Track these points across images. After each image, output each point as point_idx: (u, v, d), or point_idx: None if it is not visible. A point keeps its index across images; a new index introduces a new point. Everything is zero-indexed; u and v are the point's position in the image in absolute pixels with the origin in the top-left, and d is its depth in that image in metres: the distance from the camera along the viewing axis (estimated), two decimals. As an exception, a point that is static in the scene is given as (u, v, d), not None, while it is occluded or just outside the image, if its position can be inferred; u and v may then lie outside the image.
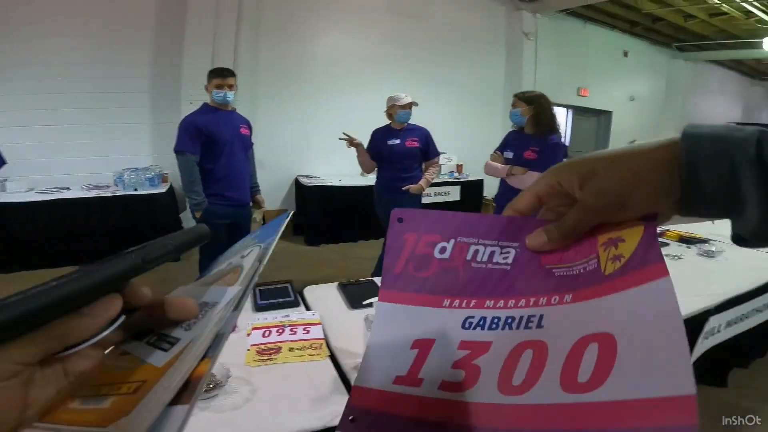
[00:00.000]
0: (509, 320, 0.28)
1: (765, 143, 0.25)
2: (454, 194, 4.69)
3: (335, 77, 4.73)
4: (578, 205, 0.30)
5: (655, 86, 9.08)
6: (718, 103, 10.25)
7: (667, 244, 2.26)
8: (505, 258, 0.32)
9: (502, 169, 2.33)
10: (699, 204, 0.27)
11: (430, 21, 5.38)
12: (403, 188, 2.68)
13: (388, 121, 2.77)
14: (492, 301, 0.30)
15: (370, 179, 3.00)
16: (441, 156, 4.95)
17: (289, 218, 0.31)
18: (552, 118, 2.29)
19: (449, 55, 5.58)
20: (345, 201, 4.09)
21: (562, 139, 2.35)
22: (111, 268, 0.20)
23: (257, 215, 3.92)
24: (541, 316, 0.28)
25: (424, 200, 2.93)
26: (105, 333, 0.20)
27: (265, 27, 4.34)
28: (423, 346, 0.28)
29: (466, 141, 5.48)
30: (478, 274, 0.31)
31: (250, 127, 2.45)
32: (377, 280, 1.54)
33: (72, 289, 0.18)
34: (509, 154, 2.39)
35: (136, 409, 0.18)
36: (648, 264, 0.26)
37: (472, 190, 5.01)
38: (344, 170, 4.39)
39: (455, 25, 5.62)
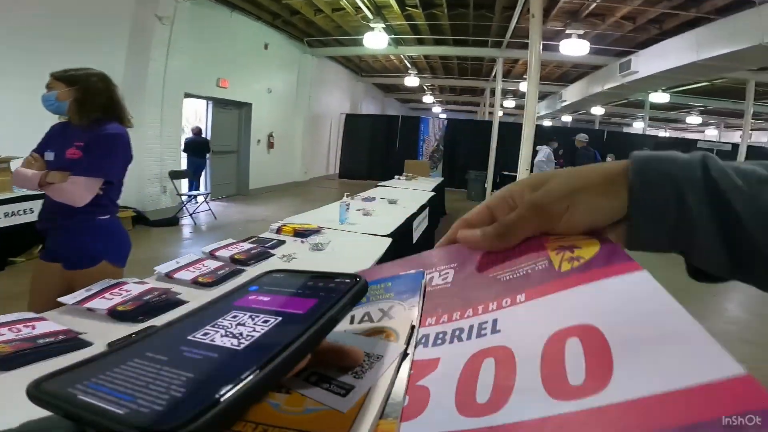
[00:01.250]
0: (457, 332, 0.25)
1: (710, 161, 0.26)
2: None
3: None
4: (521, 203, 0.29)
5: (288, 79, 9.94)
6: (335, 97, 12.44)
7: (283, 242, 2.18)
8: (444, 279, 0.30)
9: (33, 176, 1.59)
10: (645, 228, 0.27)
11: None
12: None
13: None
14: (434, 319, 0.27)
15: None
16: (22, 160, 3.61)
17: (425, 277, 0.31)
18: (110, 101, 1.72)
19: (49, 37, 4.19)
20: None
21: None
22: (316, 335, 0.21)
23: None
24: (495, 321, 0.24)
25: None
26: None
27: None
28: None
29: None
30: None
31: None
32: None
33: (296, 355, 0.19)
34: (50, 156, 1.67)
35: None
36: (613, 263, 0.23)
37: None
38: None
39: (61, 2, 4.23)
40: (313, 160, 11.12)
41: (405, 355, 0.24)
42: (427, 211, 4.27)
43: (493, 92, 10.80)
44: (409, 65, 12.63)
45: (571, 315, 0.21)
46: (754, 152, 9.72)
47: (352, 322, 0.29)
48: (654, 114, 15.32)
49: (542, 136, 7.44)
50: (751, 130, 18.41)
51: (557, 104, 13.71)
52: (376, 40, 7.99)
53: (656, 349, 0.17)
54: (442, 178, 7.95)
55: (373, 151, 12.15)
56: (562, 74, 12.64)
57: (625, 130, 16.97)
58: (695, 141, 12.98)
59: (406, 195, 4.55)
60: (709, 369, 0.16)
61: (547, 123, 15.85)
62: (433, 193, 5.02)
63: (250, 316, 0.22)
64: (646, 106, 13.48)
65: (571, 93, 12.29)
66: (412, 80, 12.58)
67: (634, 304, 0.20)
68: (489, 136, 9.88)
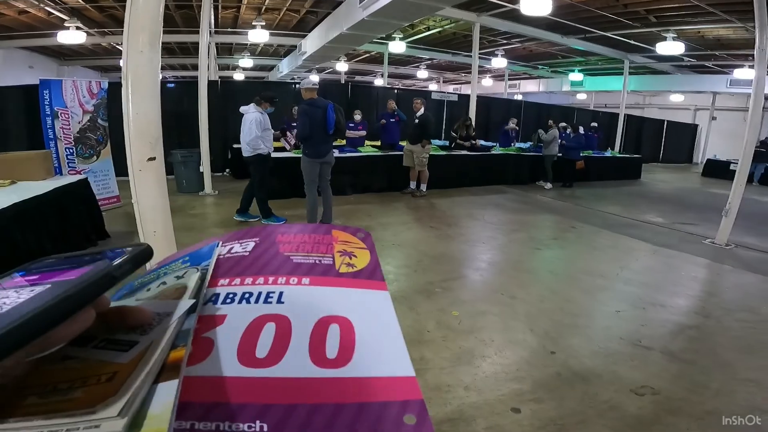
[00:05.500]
0: (246, 295, 0.28)
1: None
2: None
3: None
4: None
5: None
6: None
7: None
8: (244, 248, 0.33)
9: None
10: None
11: None
12: None
13: None
14: (227, 280, 0.29)
15: None
16: None
17: (219, 246, 0.33)
18: None
19: None
20: None
21: None
22: (91, 285, 0.21)
23: None
24: (281, 293, 0.28)
25: None
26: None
27: None
28: None
29: None
30: (217, 267, 0.31)
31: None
32: None
33: (62, 306, 0.19)
34: None
35: (122, 389, 0.19)
36: (374, 279, 0.31)
37: None
38: None
39: None
40: None
41: (194, 308, 0.26)
42: None
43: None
44: (64, 15, 7.70)
45: (338, 307, 0.27)
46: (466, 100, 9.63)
47: (148, 291, 0.30)
48: (391, 71, 14.88)
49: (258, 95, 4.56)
50: (461, 83, 20.88)
51: (299, 59, 11.23)
52: None
53: (377, 347, 0.24)
54: (84, 177, 4.19)
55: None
56: (300, 21, 10.09)
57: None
58: (431, 92, 12.82)
59: None
60: (397, 367, 0.23)
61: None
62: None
63: (15, 291, 0.21)
64: (385, 60, 12.52)
65: (312, 42, 9.94)
66: (71, 36, 7.75)
67: (375, 312, 0.27)
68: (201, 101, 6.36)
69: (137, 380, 0.19)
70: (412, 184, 6.88)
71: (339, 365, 0.23)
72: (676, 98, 16.32)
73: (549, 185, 8.31)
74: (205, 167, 6.22)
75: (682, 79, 14.14)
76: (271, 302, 0.27)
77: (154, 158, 2.02)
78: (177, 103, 7.91)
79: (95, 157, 4.97)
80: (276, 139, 4.65)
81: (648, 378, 2.13)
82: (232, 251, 0.32)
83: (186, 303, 0.26)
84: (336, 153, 6.55)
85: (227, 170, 7.96)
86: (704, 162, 13.85)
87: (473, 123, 8.47)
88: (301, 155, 4.38)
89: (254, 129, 4.35)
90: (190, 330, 0.24)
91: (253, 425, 0.19)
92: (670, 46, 8.67)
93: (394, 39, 10.25)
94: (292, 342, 0.24)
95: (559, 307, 2.98)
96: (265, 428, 0.19)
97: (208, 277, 0.29)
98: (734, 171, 4.88)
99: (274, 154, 5.39)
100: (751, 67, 11.00)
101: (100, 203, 4.37)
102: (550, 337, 2.55)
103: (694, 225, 5.68)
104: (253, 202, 4.73)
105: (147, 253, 0.26)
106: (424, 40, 11.42)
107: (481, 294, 3.21)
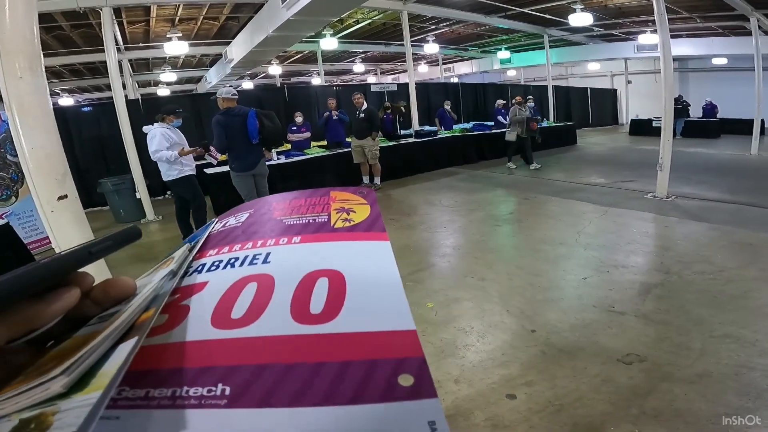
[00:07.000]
0: (232, 260, 0.27)
1: None
2: None
3: None
4: None
5: None
6: None
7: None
8: (238, 220, 0.32)
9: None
10: None
11: None
12: None
13: None
14: (215, 250, 0.28)
15: None
16: None
17: (215, 223, 0.33)
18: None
19: None
20: None
21: None
22: (65, 257, 0.21)
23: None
24: (268, 254, 0.27)
25: None
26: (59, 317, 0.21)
27: None
28: None
29: None
30: (208, 240, 0.31)
31: None
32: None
33: (33, 274, 0.19)
34: None
35: (80, 352, 0.19)
36: (372, 230, 0.28)
37: None
38: None
39: None
40: None
41: (175, 273, 0.25)
42: None
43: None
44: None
45: (329, 260, 0.25)
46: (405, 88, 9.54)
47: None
48: (327, 68, 14.51)
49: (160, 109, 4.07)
50: (399, 73, 20.84)
51: (226, 67, 10.58)
52: None
53: (371, 300, 0.22)
54: (5, 222, 3.63)
55: None
56: (222, 28, 9.46)
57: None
58: (369, 85, 12.63)
59: None
60: (394, 321, 0.21)
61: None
62: None
63: None
64: (319, 58, 12.15)
65: (237, 49, 9.37)
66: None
67: (371, 264, 0.25)
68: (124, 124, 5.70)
69: (94, 342, 0.19)
70: (365, 179, 6.69)
71: (323, 321, 0.21)
72: (594, 66, 17.26)
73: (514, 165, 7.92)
74: (142, 193, 5.64)
75: (595, 48, 14.93)
76: (256, 263, 0.26)
77: (65, 196, 1.69)
78: (97, 127, 7.16)
79: (14, 197, 4.32)
80: (199, 156, 4.21)
81: (630, 345, 2.11)
82: (227, 225, 0.32)
83: (164, 270, 0.26)
84: (282, 159, 6.22)
85: (168, 193, 7.34)
86: (629, 122, 14.79)
87: (402, 107, 8.27)
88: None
89: (154, 143, 3.79)
90: (166, 293, 0.23)
91: (213, 389, 0.18)
92: (580, 17, 9.11)
93: (325, 36, 9.92)
94: (273, 299, 0.22)
95: (529, 283, 2.95)
96: (227, 391, 0.18)
97: (197, 247, 0.29)
98: (658, 128, 5.13)
99: (217, 169, 4.99)
100: (653, 32, 11.85)
101: (30, 247, 3.82)
102: (526, 315, 2.49)
103: (633, 182, 5.97)
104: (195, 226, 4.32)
105: (133, 233, 0.26)
106: (356, 33, 11.17)
107: (452, 281, 3.11)
